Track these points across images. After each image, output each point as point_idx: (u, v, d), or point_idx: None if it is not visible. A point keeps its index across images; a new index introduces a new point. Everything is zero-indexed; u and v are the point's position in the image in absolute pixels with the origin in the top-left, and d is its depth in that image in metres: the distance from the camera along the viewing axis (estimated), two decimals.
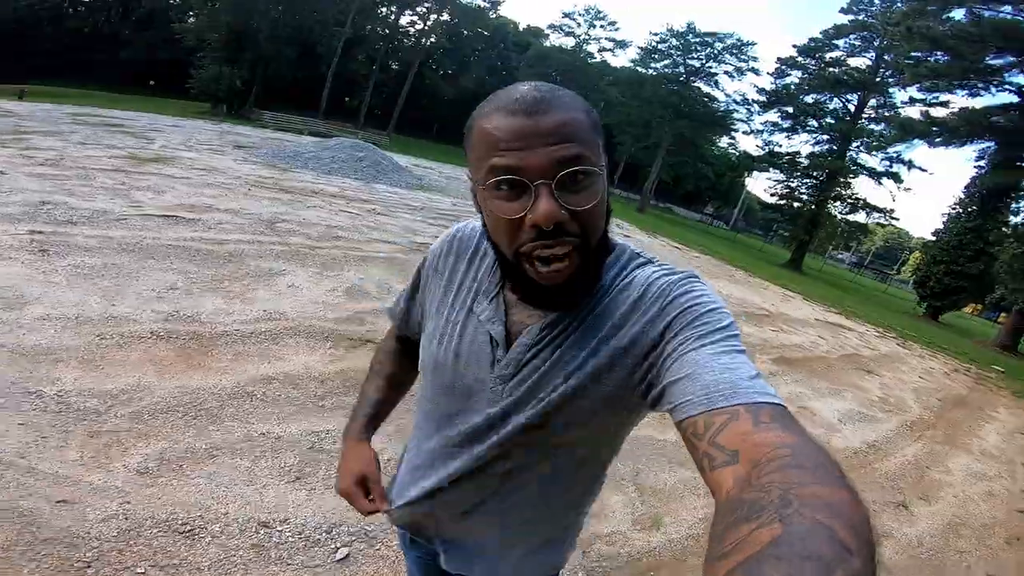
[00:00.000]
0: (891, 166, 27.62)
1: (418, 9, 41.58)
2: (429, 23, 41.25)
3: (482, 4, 41.76)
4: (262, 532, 1.80)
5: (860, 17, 28.62)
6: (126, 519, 1.68)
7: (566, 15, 40.76)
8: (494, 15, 43.80)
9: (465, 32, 42.05)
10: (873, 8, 28.34)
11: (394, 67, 43.33)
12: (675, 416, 0.55)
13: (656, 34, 38.23)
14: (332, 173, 11.49)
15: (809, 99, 30.43)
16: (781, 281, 16.53)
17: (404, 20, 42.59)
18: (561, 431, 0.67)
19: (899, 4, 25.49)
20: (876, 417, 5.54)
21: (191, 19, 34.89)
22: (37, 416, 2.07)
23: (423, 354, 0.77)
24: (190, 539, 1.69)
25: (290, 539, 1.81)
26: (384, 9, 42.29)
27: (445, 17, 40.62)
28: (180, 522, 1.74)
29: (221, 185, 7.67)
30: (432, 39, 41.10)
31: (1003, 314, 21.02)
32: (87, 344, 2.69)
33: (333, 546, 1.83)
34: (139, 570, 1.52)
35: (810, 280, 22.08)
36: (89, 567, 1.49)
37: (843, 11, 29.41)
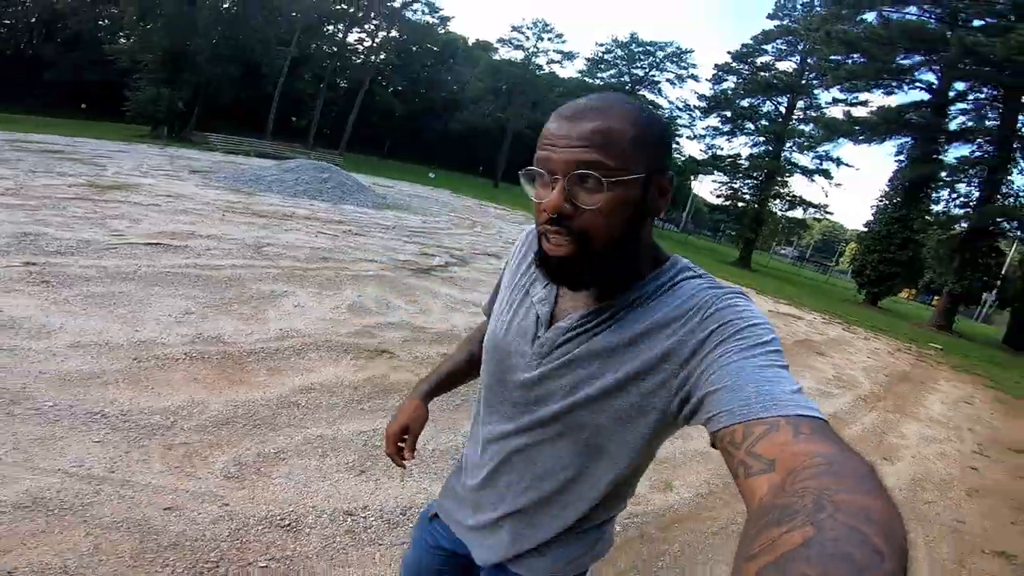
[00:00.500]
0: (821, 164, 29.55)
1: (366, 27, 41.26)
2: (378, 40, 41.03)
3: (431, 20, 41.83)
4: (349, 520, 1.99)
5: (785, 22, 30.36)
6: (231, 520, 1.85)
7: (515, 29, 41.49)
8: (443, 31, 43.94)
9: (415, 48, 41.71)
10: (796, 13, 30.07)
11: (343, 85, 42.84)
12: (711, 426, 0.55)
13: (601, 44, 39.66)
14: (299, 195, 11.46)
15: (745, 103, 32.09)
16: (734, 278, 17.48)
17: (352, 38, 42.17)
18: (590, 419, 0.69)
19: (818, 8, 27.01)
20: (833, 393, 6.12)
21: (122, 40, 33.53)
22: (109, 434, 2.18)
23: (488, 329, 0.85)
24: (293, 532, 1.87)
25: (375, 523, 2.01)
26: (331, 27, 41.77)
27: (394, 34, 40.49)
28: (279, 518, 1.91)
29: (193, 211, 7.60)
30: (382, 56, 40.92)
31: (935, 297, 22.78)
32: (127, 367, 2.78)
33: (412, 525, 2.04)
34: (261, 564, 1.69)
35: (760, 276, 23.37)
36: (217, 567, 1.65)
37: (770, 17, 31.30)
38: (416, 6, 40.31)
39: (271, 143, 28.74)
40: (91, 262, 4.46)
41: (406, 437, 1.02)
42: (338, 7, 39.41)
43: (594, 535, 0.80)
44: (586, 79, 40.23)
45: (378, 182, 18.56)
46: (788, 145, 30.62)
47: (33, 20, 38.05)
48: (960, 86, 21.81)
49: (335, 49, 41.94)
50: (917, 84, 22.88)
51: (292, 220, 8.42)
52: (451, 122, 42.09)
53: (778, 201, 31.22)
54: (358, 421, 2.73)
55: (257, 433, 2.42)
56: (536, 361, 0.73)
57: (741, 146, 33.30)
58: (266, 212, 8.69)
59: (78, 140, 17.51)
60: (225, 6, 31.69)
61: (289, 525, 1.89)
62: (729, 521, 2.73)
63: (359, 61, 42.27)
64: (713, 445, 0.55)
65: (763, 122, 31.70)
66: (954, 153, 22.12)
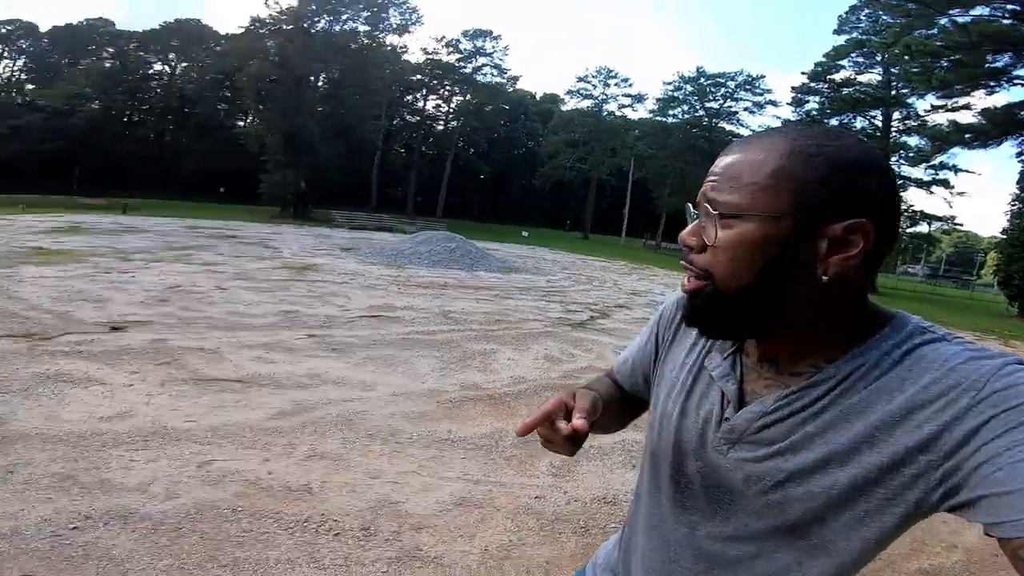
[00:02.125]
0: (937, 174, 27.86)
1: (441, 92, 43.97)
2: (453, 105, 43.45)
3: (501, 80, 43.88)
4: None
5: (853, 35, 29.44)
6: (577, 501, 2.88)
7: (580, 79, 42.78)
8: (512, 89, 46.03)
9: (488, 108, 43.84)
10: (862, 25, 29.09)
11: (428, 152, 46.08)
12: (996, 532, 0.49)
13: (669, 83, 40.23)
14: (436, 265, 13.13)
15: (834, 122, 30.92)
16: None
17: (430, 105, 45.18)
18: (812, 516, 0.59)
19: (884, 17, 25.83)
20: None
21: (240, 123, 37.82)
22: (467, 452, 3.31)
23: (652, 413, 0.78)
24: (614, 504, 2.85)
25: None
26: (410, 96, 44.85)
27: (468, 97, 42.87)
28: (601, 496, 2.93)
29: (377, 287, 9.27)
30: (461, 120, 43.32)
31: None
32: (437, 408, 3.98)
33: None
34: (612, 526, 2.69)
35: (890, 298, 22.29)
36: (587, 530, 2.68)
37: (836, 32, 30.48)
38: (485, 69, 42.56)
39: (388, 217, 31.62)
40: (348, 333, 5.92)
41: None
42: (415, 77, 42.33)
43: None
44: (659, 119, 40.68)
45: (488, 247, 19.73)
46: (895, 159, 29.20)
47: (160, 108, 43.43)
48: None
49: (419, 118, 45.13)
50: (1016, 82, 21.36)
51: (449, 289, 9.91)
52: (534, 178, 43.82)
53: None
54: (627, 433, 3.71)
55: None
56: (727, 447, 0.65)
57: None
58: (425, 283, 10.27)
59: (231, 223, 20.99)
60: (322, 84, 34.10)
61: (610, 501, 2.89)
62: None
63: (440, 128, 45.32)
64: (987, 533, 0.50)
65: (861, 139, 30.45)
66: None
